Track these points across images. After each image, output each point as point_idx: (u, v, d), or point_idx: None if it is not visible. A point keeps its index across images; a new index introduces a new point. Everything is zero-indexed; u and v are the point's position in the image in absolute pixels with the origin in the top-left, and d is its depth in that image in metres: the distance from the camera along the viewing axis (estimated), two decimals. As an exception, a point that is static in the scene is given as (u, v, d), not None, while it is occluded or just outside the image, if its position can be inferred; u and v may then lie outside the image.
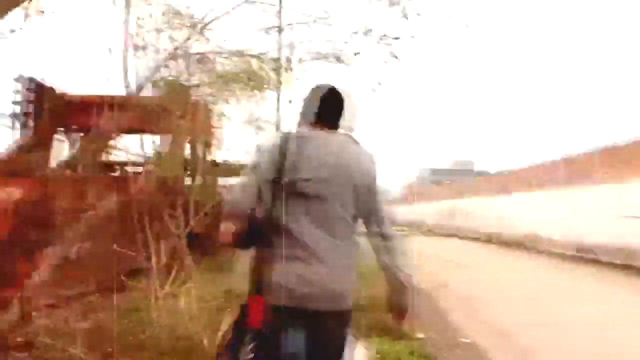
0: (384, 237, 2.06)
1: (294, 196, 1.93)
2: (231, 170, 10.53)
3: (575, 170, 19.92)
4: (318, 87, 2.14)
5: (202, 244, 8.84)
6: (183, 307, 4.86)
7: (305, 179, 1.94)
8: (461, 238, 28.63)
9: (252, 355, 1.84)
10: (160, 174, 5.82)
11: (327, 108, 2.09)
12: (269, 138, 2.21)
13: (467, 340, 5.84)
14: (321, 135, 2.04)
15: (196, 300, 5.04)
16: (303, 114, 2.14)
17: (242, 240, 1.99)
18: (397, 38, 6.81)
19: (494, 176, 30.91)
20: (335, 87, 2.11)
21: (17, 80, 7.22)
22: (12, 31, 5.82)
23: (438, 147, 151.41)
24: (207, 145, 8.56)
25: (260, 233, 1.94)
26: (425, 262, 12.81)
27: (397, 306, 2.16)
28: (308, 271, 1.89)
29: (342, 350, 1.98)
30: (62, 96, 7.81)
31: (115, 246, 5.25)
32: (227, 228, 1.99)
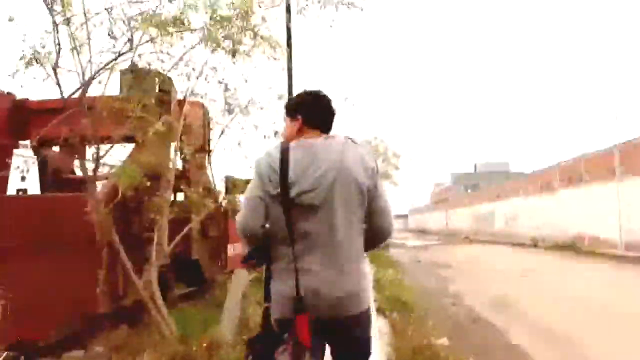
0: (382, 230, 2.07)
1: (301, 208, 1.90)
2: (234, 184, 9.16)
3: (626, 162, 17.91)
4: (318, 95, 2.13)
5: (195, 272, 7.47)
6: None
7: (310, 189, 1.89)
8: (504, 244, 26.45)
9: None
10: (122, 186, 4.42)
11: (322, 114, 2.11)
12: (268, 151, 2.02)
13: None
14: (319, 141, 1.99)
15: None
16: (306, 120, 2.07)
17: (258, 257, 2.02)
18: None
19: (534, 175, 28.60)
20: (322, 92, 2.14)
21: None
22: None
23: (468, 150, 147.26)
24: (199, 151, 7.16)
25: (269, 248, 1.97)
26: (482, 274, 11.70)
27: None
28: (321, 283, 1.88)
29: (370, 350, 2.04)
30: (22, 103, 6.51)
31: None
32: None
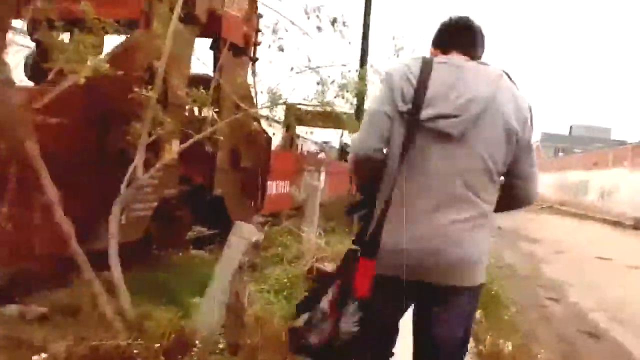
0: (522, 196, 1.73)
1: (432, 136, 1.57)
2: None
3: None
4: (452, 19, 1.77)
5: (217, 211, 5.86)
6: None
7: (449, 114, 1.56)
8: (597, 220, 23.07)
9: (357, 329, 1.59)
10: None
11: (469, 30, 1.74)
12: (405, 61, 1.69)
13: None
14: (471, 65, 1.65)
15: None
16: (439, 41, 1.75)
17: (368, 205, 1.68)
18: None
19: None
20: (469, 18, 1.78)
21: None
22: None
23: (564, 110, 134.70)
24: (238, 50, 5.31)
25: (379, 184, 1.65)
26: (570, 260, 9.34)
27: None
28: (435, 236, 1.56)
29: (467, 335, 1.72)
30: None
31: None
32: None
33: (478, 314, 3.98)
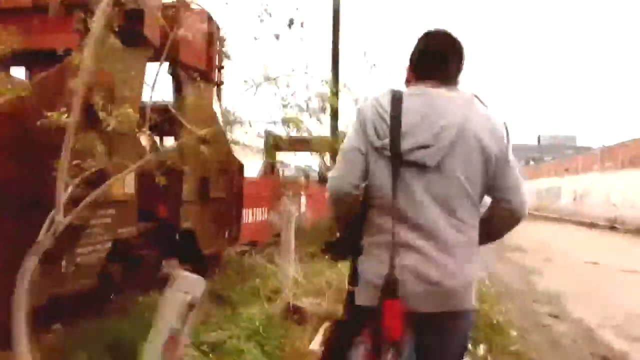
0: (511, 211, 1.69)
1: (410, 168, 1.58)
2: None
3: None
4: (431, 34, 1.74)
5: (187, 247, 5.37)
6: None
7: (424, 145, 1.56)
8: (573, 223, 23.28)
9: None
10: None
11: (445, 59, 1.69)
12: (375, 96, 1.69)
13: None
14: (442, 93, 1.64)
15: None
16: (415, 67, 1.73)
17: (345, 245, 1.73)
18: None
19: (613, 148, 25.03)
20: (452, 34, 1.72)
21: None
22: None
23: (530, 122, 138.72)
24: (200, 76, 4.91)
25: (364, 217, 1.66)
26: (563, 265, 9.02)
27: None
28: (425, 264, 1.56)
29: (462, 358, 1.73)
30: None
31: None
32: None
33: (481, 349, 3.61)
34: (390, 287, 1.53)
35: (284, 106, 4.05)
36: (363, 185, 1.62)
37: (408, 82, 1.74)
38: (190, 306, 1.97)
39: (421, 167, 1.56)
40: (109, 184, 2.95)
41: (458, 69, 1.71)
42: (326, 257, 7.62)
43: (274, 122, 4.20)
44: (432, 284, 1.54)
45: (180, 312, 1.96)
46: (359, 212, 1.65)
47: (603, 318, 5.12)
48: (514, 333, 4.31)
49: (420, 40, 1.73)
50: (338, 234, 1.78)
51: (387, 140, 1.56)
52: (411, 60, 1.74)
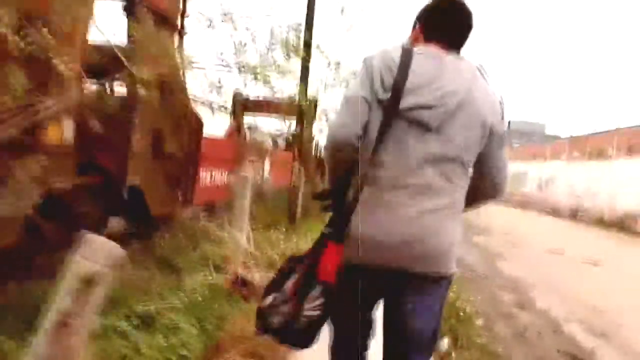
0: (493, 186, 1.70)
1: (409, 125, 1.56)
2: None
3: None
4: (446, 4, 1.70)
5: (135, 206, 4.85)
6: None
7: (429, 105, 1.55)
8: (537, 210, 23.68)
9: (318, 312, 1.59)
10: None
11: (456, 27, 1.69)
12: (385, 49, 1.64)
13: None
14: (450, 58, 1.64)
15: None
16: (424, 27, 1.70)
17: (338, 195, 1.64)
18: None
19: (580, 138, 25.38)
20: (464, 3, 1.71)
21: None
22: None
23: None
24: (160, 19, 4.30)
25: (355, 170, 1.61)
26: (529, 256, 8.34)
27: None
28: (409, 222, 1.54)
29: (438, 325, 1.69)
30: None
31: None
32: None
33: (445, 343, 3.30)
34: (339, 232, 1.56)
35: (241, 51, 3.54)
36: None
37: (416, 40, 1.69)
38: (90, 281, 1.48)
39: (420, 126, 1.54)
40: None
41: (465, 37, 1.68)
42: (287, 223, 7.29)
43: (229, 67, 3.68)
44: (417, 245, 1.53)
45: (76, 287, 1.48)
46: (353, 166, 1.58)
47: (569, 312, 4.93)
48: (479, 322, 4.05)
49: (433, 2, 1.70)
50: (329, 187, 1.74)
51: (390, 94, 1.54)
52: (420, 19, 1.71)
